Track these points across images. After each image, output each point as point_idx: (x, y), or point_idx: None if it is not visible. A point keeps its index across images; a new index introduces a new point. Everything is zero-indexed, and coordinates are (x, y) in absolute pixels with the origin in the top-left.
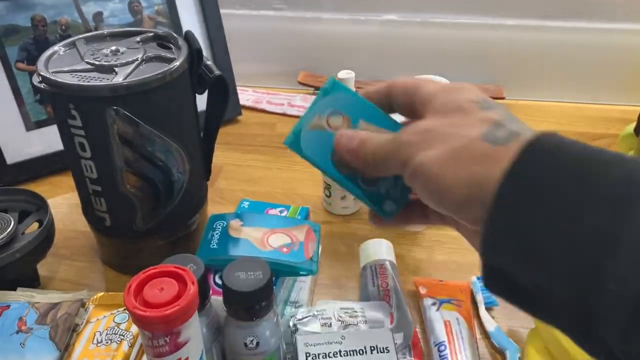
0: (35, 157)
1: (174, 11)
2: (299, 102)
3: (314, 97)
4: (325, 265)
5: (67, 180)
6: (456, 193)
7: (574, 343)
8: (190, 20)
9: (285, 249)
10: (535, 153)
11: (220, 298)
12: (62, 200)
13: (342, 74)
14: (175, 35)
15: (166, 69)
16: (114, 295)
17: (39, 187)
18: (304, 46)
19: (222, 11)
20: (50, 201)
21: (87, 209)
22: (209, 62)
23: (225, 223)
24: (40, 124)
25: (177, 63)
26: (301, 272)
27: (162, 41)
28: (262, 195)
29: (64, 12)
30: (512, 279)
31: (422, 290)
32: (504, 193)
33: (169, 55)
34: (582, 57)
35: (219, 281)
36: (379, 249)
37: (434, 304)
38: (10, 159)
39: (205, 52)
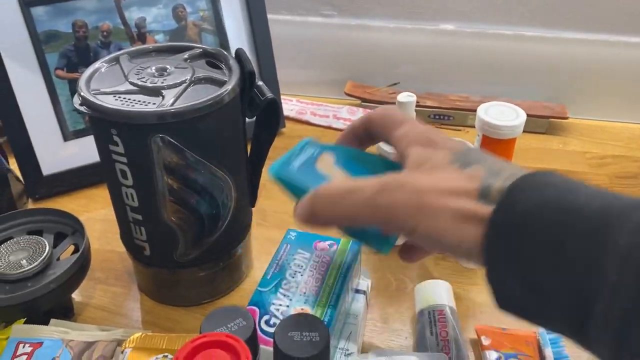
0: (73, 168)
1: (219, 17)
2: (345, 115)
3: (360, 109)
4: (376, 304)
5: (104, 194)
6: (456, 247)
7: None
8: (236, 26)
9: None
10: (521, 191)
11: (268, 348)
12: (99, 216)
13: (403, 97)
14: (226, 53)
15: (217, 93)
16: (152, 337)
17: (75, 201)
18: (352, 55)
19: (267, 16)
20: (86, 216)
21: (126, 236)
22: (260, 83)
23: (316, 152)
24: (78, 134)
25: (229, 87)
26: (371, 244)
27: (211, 59)
28: None
29: (106, 18)
30: (518, 303)
31: (485, 341)
32: (496, 222)
33: (219, 76)
34: None
35: (266, 328)
36: (438, 291)
37: (498, 358)
38: (47, 169)
39: (253, 61)
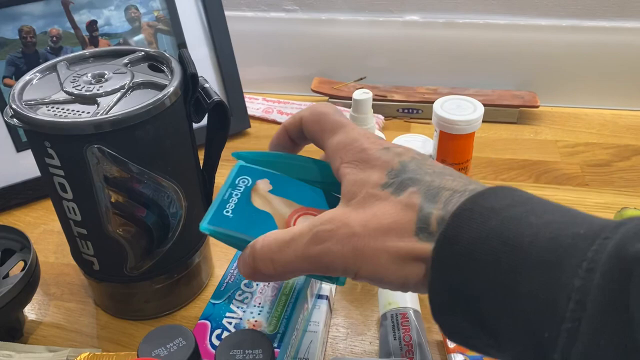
0: (27, 179)
1: (175, 17)
2: None
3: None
4: (340, 309)
5: None
6: (402, 286)
7: None
8: (193, 26)
9: None
10: (463, 222)
11: None
12: (56, 228)
13: (358, 94)
14: (167, 55)
15: (156, 98)
16: (101, 356)
17: (32, 213)
18: (318, 50)
19: (228, 13)
20: (42, 228)
21: (74, 251)
22: (207, 85)
23: (250, 182)
24: None
25: (169, 91)
26: (324, 280)
27: (153, 62)
28: None
29: (55, 22)
30: (469, 342)
31: (450, 344)
32: (437, 260)
33: (160, 80)
34: (624, 59)
35: (217, 343)
36: (401, 294)
37: None
38: (0, 182)
39: (211, 60)
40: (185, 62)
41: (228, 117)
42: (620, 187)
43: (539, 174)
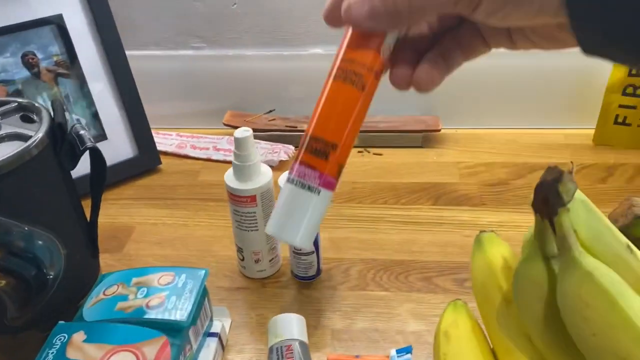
0: None
1: (74, 60)
2: (225, 145)
3: None
4: (234, 343)
5: None
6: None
7: None
8: (94, 67)
9: None
10: None
11: None
12: None
13: (239, 133)
14: (38, 106)
15: (17, 151)
16: None
17: None
18: (228, 84)
19: (136, 53)
20: None
21: None
22: (82, 132)
23: (66, 338)
24: None
25: (33, 142)
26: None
27: (26, 112)
28: (173, 259)
29: None
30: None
31: None
32: None
33: (26, 132)
34: (520, 81)
35: None
36: (288, 326)
37: None
38: None
39: (114, 99)
40: (56, 110)
41: (103, 162)
42: (515, 205)
43: (438, 195)
